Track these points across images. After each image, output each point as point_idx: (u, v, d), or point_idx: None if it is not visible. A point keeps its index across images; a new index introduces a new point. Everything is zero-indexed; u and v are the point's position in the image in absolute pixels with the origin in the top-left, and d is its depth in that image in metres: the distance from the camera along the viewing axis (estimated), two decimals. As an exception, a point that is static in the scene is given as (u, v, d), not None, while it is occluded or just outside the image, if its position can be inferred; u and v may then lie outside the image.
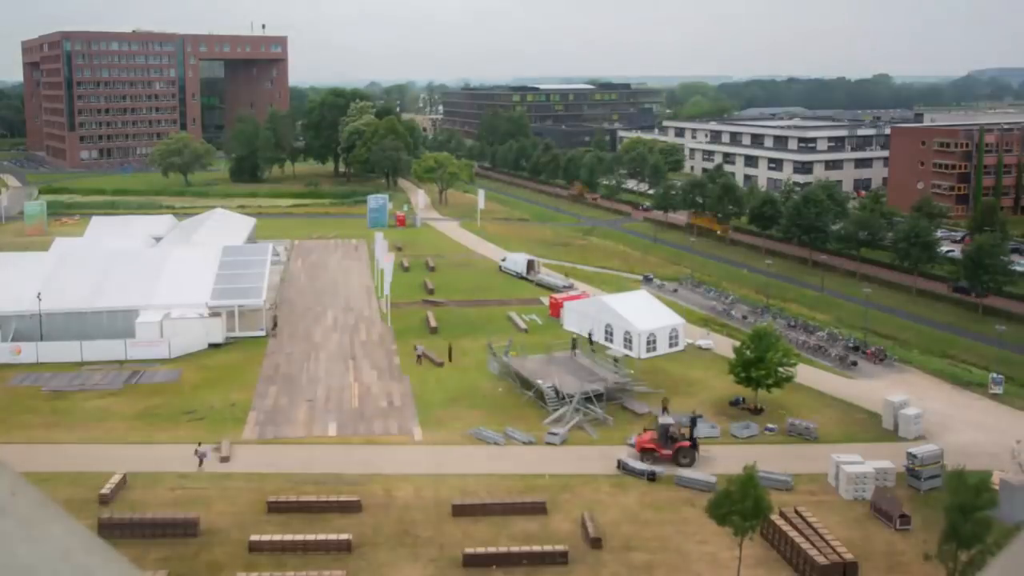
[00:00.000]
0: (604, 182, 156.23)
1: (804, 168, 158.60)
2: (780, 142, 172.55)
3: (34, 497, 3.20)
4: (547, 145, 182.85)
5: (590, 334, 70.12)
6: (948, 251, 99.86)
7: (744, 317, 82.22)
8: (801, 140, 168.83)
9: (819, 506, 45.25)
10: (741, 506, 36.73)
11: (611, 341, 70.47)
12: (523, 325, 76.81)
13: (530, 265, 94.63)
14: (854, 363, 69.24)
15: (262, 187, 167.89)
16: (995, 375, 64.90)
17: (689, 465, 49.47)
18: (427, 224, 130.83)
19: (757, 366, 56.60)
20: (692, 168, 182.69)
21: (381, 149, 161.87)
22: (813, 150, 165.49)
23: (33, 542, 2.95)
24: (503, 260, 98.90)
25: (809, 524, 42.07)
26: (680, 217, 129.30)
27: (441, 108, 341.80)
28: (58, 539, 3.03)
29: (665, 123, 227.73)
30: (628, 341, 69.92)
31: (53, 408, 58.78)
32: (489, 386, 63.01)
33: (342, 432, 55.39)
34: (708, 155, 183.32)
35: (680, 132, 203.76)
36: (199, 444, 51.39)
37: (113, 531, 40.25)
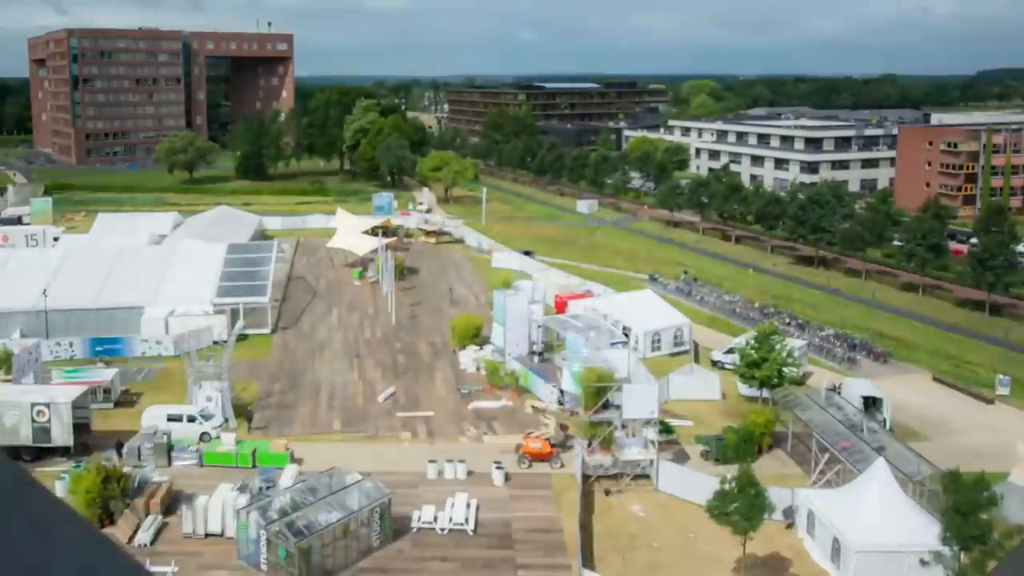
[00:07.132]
0: (609, 180, 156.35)
1: (810, 168, 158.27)
2: (786, 142, 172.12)
3: (40, 493, 3.19)
4: (552, 144, 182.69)
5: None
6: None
7: (748, 316, 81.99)
8: (808, 140, 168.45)
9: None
10: (740, 504, 36.66)
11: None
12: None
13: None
14: (852, 359, 69.76)
15: (268, 185, 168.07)
16: (1002, 376, 64.74)
17: None
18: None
19: (761, 366, 56.50)
20: (698, 168, 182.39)
21: (386, 147, 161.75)
22: (820, 150, 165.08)
23: (39, 538, 2.95)
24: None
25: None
26: (684, 216, 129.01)
27: (446, 107, 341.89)
28: (64, 535, 3.02)
29: (671, 122, 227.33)
30: (632, 341, 69.76)
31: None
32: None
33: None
34: (714, 154, 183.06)
35: (686, 131, 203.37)
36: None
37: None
